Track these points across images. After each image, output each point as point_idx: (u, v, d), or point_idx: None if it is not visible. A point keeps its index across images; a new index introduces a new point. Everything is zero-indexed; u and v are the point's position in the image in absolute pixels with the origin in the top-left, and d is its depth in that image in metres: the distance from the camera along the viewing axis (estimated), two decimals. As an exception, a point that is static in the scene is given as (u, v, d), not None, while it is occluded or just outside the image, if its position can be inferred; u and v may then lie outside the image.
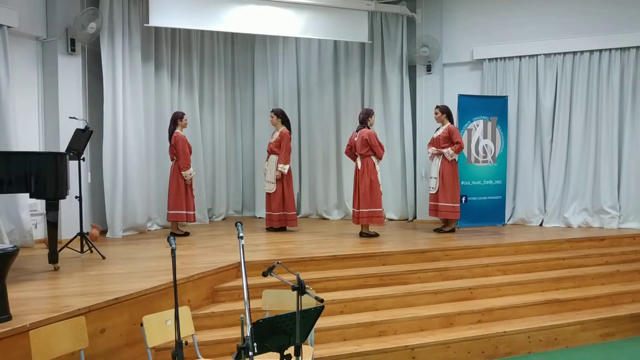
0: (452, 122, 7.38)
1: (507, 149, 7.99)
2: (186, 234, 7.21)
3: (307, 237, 6.97)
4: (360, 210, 6.80)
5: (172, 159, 7.15)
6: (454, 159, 7.18)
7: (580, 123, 7.81)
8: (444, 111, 7.36)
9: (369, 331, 4.68)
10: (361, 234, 6.93)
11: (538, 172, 8.11)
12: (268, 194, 7.44)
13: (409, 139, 8.70)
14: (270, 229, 7.48)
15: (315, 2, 7.90)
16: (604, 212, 7.62)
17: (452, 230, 7.31)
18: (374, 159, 6.82)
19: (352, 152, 6.99)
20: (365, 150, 6.78)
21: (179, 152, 6.99)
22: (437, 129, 7.46)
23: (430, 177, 7.39)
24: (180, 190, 7.03)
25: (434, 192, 7.24)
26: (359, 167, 6.82)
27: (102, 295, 3.94)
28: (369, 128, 6.89)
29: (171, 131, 7.10)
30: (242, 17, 7.63)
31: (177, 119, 7.11)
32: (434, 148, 7.31)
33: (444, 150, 7.15)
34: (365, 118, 6.93)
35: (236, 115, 9.52)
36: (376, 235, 6.92)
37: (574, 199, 7.84)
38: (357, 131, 6.95)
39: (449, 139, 7.17)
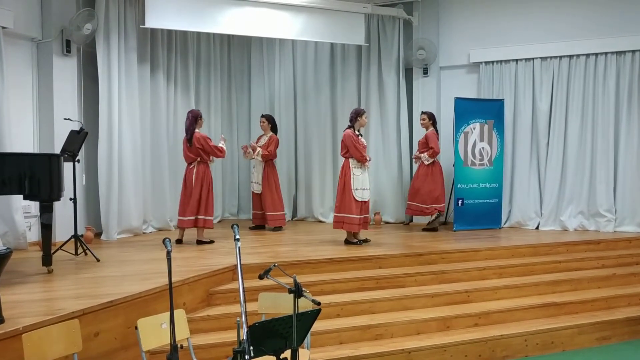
0: (435, 127, 7.79)
1: (503, 152, 8.00)
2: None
3: (303, 240, 6.94)
4: (334, 214, 6.52)
5: (193, 161, 6.51)
6: (430, 163, 7.67)
7: (576, 126, 7.81)
8: (431, 117, 7.78)
9: (365, 334, 4.66)
10: (345, 242, 6.53)
11: (534, 175, 8.11)
12: (256, 194, 7.89)
13: (405, 142, 8.69)
14: (255, 227, 7.97)
15: (312, 4, 7.90)
16: (600, 216, 7.62)
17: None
18: (351, 161, 6.36)
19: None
20: (344, 151, 6.43)
21: (212, 149, 6.51)
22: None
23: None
24: (211, 194, 6.60)
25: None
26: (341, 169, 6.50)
27: (96, 298, 3.90)
28: (353, 128, 6.42)
29: (192, 130, 6.46)
30: (238, 19, 7.61)
31: (198, 117, 6.52)
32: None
33: (422, 155, 7.70)
34: (352, 117, 6.44)
35: (232, 118, 9.48)
36: (367, 241, 6.53)
37: (570, 202, 7.84)
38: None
39: (426, 144, 7.70)
